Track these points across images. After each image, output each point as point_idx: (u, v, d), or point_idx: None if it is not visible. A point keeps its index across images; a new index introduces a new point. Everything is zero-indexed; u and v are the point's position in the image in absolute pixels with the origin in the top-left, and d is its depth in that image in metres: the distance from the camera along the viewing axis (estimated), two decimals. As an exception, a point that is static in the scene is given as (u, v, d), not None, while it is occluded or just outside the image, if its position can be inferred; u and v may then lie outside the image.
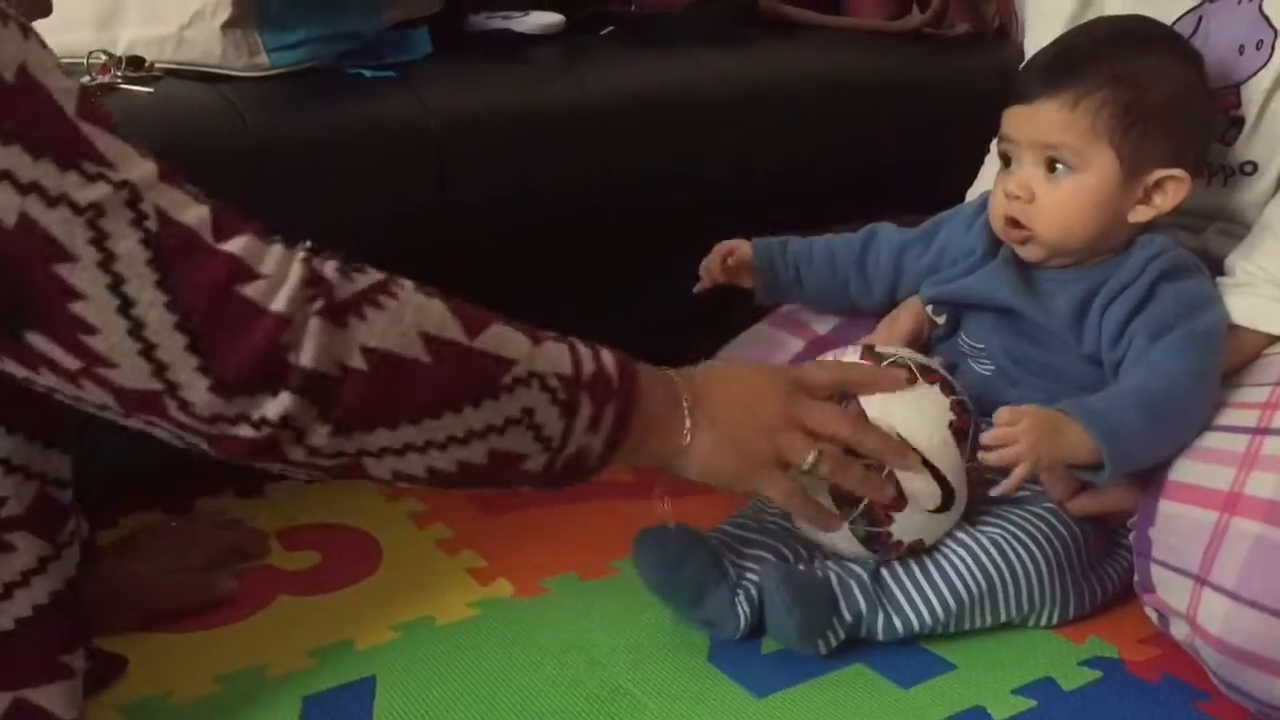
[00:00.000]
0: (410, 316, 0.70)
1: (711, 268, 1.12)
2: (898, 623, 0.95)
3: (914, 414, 0.94)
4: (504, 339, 0.74)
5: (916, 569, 0.95)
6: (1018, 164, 0.98)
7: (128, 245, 0.63)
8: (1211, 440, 0.90)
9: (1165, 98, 0.94)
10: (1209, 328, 0.94)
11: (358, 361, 0.67)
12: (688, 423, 0.82)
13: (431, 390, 0.70)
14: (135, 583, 0.99)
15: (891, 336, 1.08)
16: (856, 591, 0.95)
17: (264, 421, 0.66)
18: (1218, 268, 0.99)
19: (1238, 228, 1.01)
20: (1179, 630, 0.87)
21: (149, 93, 1.14)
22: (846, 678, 0.93)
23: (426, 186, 1.21)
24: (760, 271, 1.12)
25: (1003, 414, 0.91)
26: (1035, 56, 1.01)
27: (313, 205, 1.16)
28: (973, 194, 1.18)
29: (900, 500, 0.92)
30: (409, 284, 0.72)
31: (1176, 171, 0.95)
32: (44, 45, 0.64)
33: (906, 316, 1.10)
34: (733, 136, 1.35)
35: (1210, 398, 0.92)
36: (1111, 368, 0.97)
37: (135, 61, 1.18)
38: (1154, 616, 0.90)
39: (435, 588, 1.06)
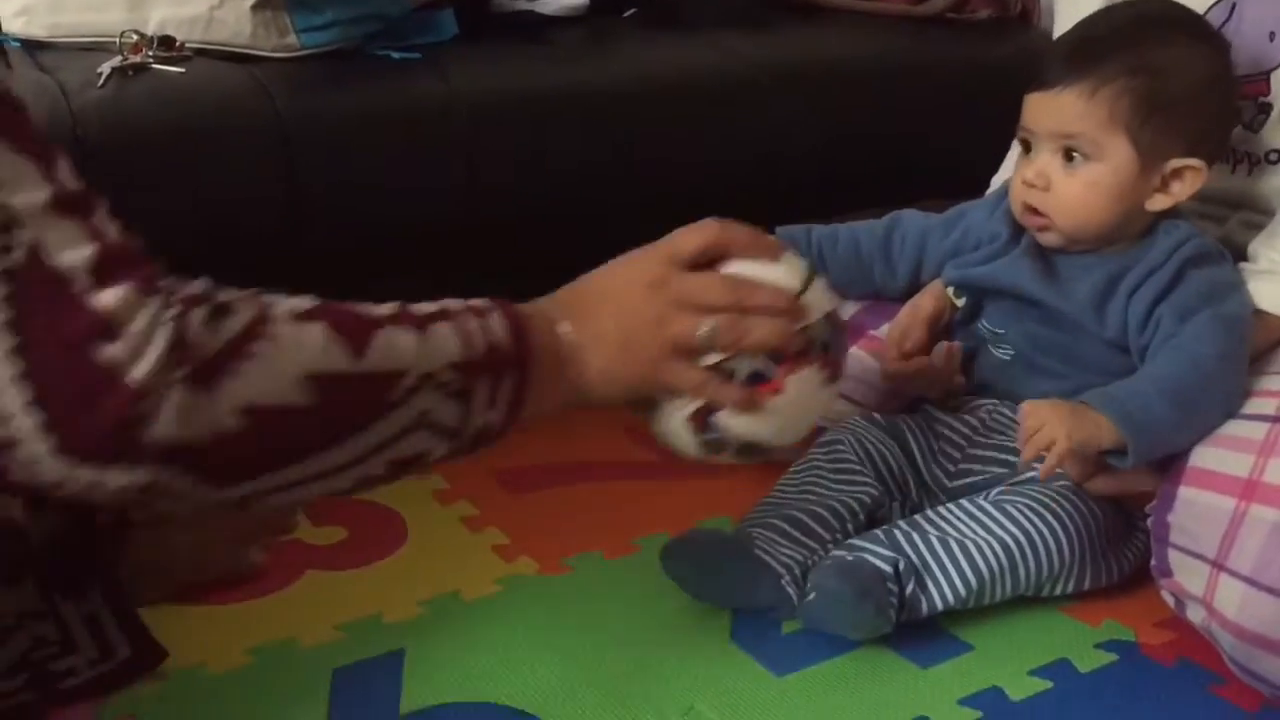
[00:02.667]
0: (286, 358, 0.64)
1: None
2: (923, 602, 0.96)
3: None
4: (390, 347, 0.68)
5: (939, 547, 0.96)
6: (1036, 152, 0.98)
7: None
8: (1231, 428, 0.90)
9: (1185, 88, 0.94)
10: (1236, 312, 0.95)
11: (230, 422, 0.62)
12: (576, 358, 0.77)
13: (316, 431, 0.66)
14: (167, 556, 1.00)
15: (914, 320, 1.09)
16: (893, 571, 0.95)
17: (125, 489, 0.60)
18: (1240, 257, 1.00)
19: (1261, 218, 1.02)
20: (1195, 614, 0.88)
21: (180, 73, 1.15)
22: (864, 658, 0.94)
23: (452, 167, 1.22)
24: None
25: (1026, 407, 0.93)
26: (1057, 43, 1.01)
27: (340, 185, 1.17)
28: (998, 180, 1.18)
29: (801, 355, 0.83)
30: (283, 312, 0.66)
31: (1194, 161, 0.95)
32: None
33: (928, 300, 1.10)
34: (756, 120, 1.36)
35: (1237, 382, 0.93)
36: (1139, 352, 0.97)
37: (166, 41, 1.20)
38: (1170, 601, 0.91)
39: (460, 564, 1.07)
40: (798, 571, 0.98)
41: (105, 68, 1.13)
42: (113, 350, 0.59)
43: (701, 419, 0.83)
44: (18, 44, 1.25)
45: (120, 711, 0.87)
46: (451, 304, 0.74)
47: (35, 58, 1.20)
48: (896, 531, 0.98)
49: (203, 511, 1.06)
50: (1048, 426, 0.91)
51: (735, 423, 0.83)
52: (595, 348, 0.78)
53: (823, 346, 0.84)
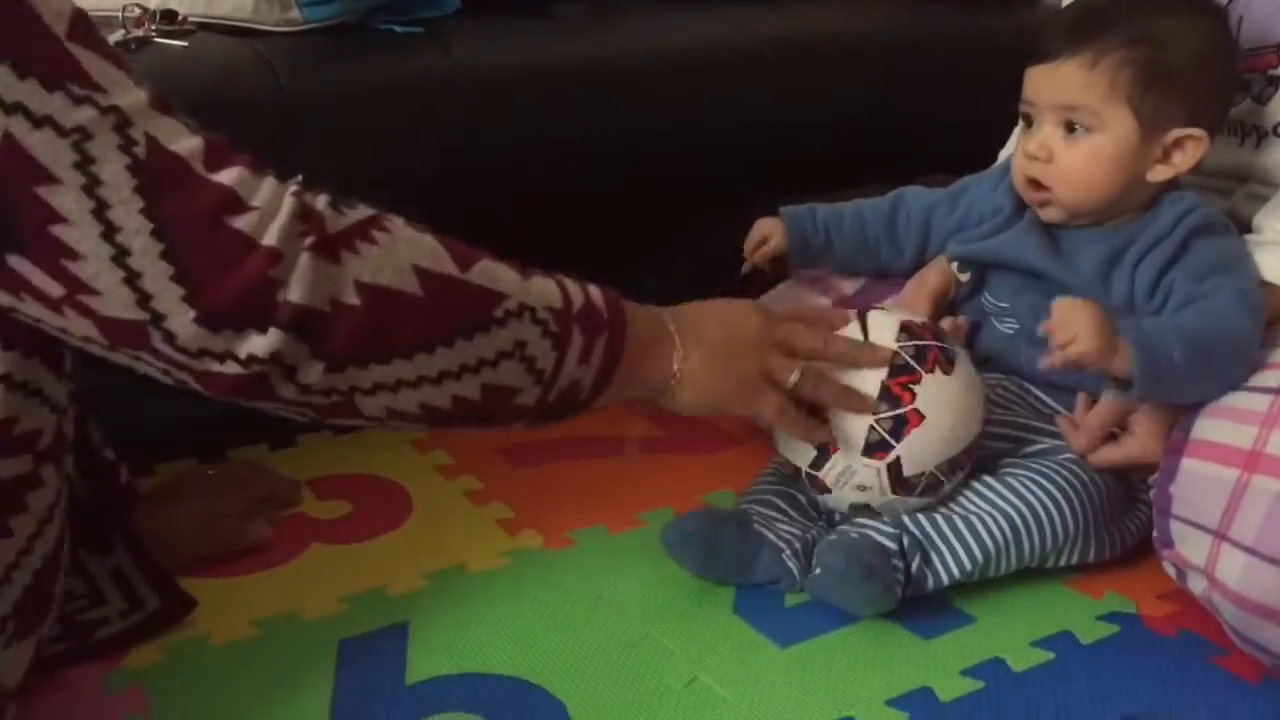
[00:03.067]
0: (403, 250, 0.69)
1: (750, 253, 1.14)
2: (929, 577, 0.96)
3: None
4: (494, 273, 0.74)
5: (943, 523, 0.97)
6: (1038, 125, 0.99)
7: (113, 170, 0.61)
8: (1234, 399, 0.90)
9: (1185, 57, 0.94)
10: (1248, 284, 0.94)
11: (350, 296, 0.66)
12: (678, 347, 0.83)
13: (424, 324, 0.70)
14: (172, 528, 1.01)
15: (919, 295, 1.09)
16: (898, 547, 0.95)
17: (252, 359, 0.65)
18: (1246, 230, 1.00)
19: (1268, 190, 1.01)
20: (1197, 585, 0.88)
21: (184, 46, 1.15)
22: (867, 630, 0.95)
23: (456, 142, 1.22)
24: (792, 241, 1.13)
25: (1062, 301, 0.91)
26: (1058, 15, 1.01)
27: (344, 160, 1.17)
28: (1004, 154, 1.18)
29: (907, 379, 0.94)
30: (399, 220, 0.72)
31: (1195, 131, 0.95)
32: None
33: (933, 275, 1.10)
34: (761, 94, 1.35)
35: (1248, 353, 0.92)
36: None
37: (169, 15, 1.19)
38: (1172, 572, 0.92)
39: (465, 537, 1.08)
40: (798, 545, 0.99)
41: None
42: (245, 219, 0.64)
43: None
44: (20, 18, 1.25)
45: (127, 681, 0.88)
46: (552, 272, 0.79)
47: (38, 32, 1.20)
48: None
49: (211, 486, 1.08)
50: (1074, 322, 0.90)
51: (919, 454, 0.94)
52: (698, 348, 0.83)
53: (916, 358, 0.93)
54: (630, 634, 0.94)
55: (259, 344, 0.64)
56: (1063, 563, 0.99)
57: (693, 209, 1.27)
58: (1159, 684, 0.89)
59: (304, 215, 0.66)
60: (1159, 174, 0.97)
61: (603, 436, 1.26)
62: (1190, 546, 0.88)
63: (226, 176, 0.64)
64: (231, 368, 0.65)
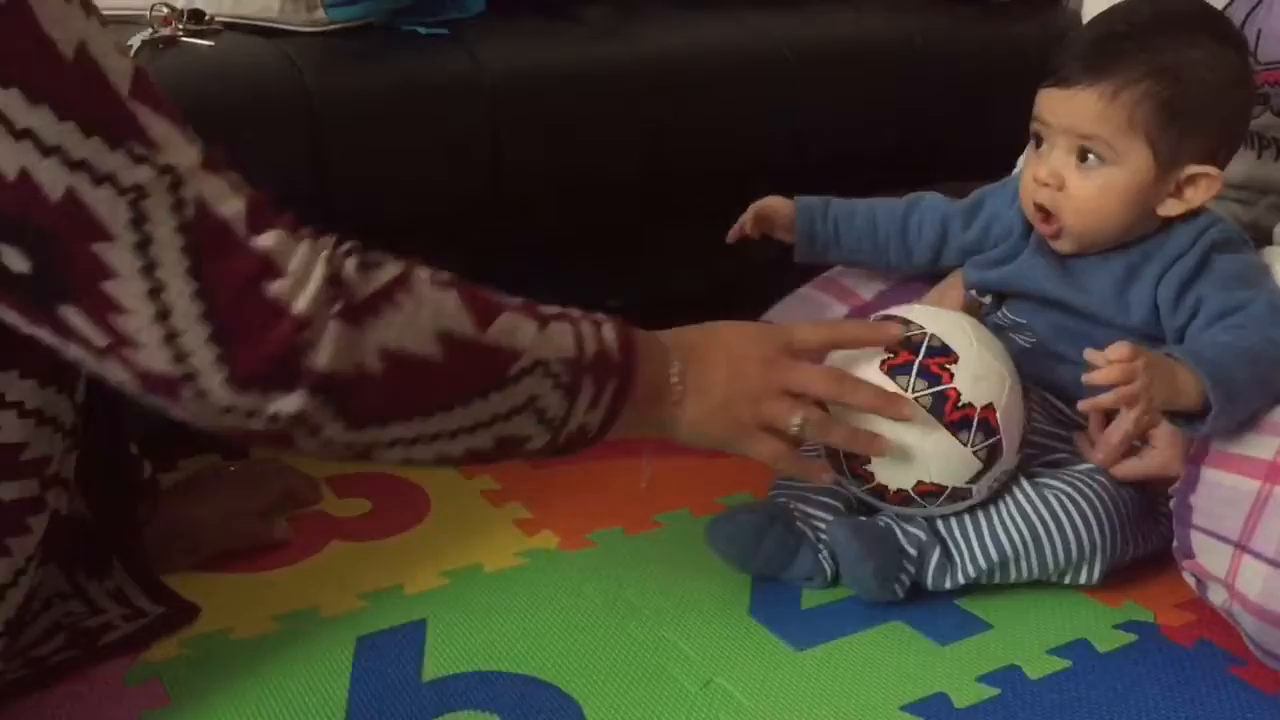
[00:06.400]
0: (425, 314, 0.70)
1: (745, 221, 1.14)
2: (946, 575, 0.96)
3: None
4: (513, 328, 0.74)
5: (968, 521, 0.96)
6: (1049, 148, 0.96)
7: (164, 231, 0.63)
8: (1254, 410, 0.90)
9: (1207, 94, 0.92)
10: (1277, 296, 0.93)
11: (373, 362, 0.68)
12: (678, 391, 0.84)
13: (444, 387, 0.72)
14: (195, 525, 1.02)
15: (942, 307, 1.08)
16: (916, 540, 0.96)
17: (278, 417, 0.66)
18: (1267, 240, 0.99)
19: (1291, 201, 1.01)
20: (1217, 596, 0.88)
21: (210, 46, 1.16)
22: (884, 634, 0.95)
23: (479, 143, 1.22)
24: (800, 229, 1.13)
25: (1120, 350, 0.87)
26: (1074, 37, 0.97)
27: (368, 161, 1.18)
28: (1022, 161, 1.17)
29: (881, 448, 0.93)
30: (424, 276, 0.72)
31: (1210, 169, 0.93)
32: (104, 24, 0.65)
33: (954, 295, 1.09)
34: (783, 98, 1.36)
35: None
36: (1173, 333, 0.96)
37: (196, 15, 1.20)
38: (1192, 582, 0.91)
39: (483, 537, 1.08)
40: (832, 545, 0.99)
41: (135, 40, 1.14)
42: (279, 285, 0.66)
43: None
44: (50, 17, 1.26)
45: (146, 674, 0.89)
46: (573, 310, 0.80)
47: (67, 30, 1.21)
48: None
49: (233, 483, 1.09)
50: (1133, 384, 0.86)
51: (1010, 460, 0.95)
52: (697, 399, 0.85)
53: (934, 386, 0.93)
54: (647, 636, 0.94)
55: (285, 404, 0.66)
56: (1079, 581, 0.98)
57: (714, 211, 1.26)
58: (1176, 694, 0.89)
59: (334, 280, 0.67)
60: (1170, 209, 0.95)
61: (622, 438, 1.26)
62: (1211, 557, 0.87)
63: (266, 240, 0.66)
64: (257, 423, 0.67)
